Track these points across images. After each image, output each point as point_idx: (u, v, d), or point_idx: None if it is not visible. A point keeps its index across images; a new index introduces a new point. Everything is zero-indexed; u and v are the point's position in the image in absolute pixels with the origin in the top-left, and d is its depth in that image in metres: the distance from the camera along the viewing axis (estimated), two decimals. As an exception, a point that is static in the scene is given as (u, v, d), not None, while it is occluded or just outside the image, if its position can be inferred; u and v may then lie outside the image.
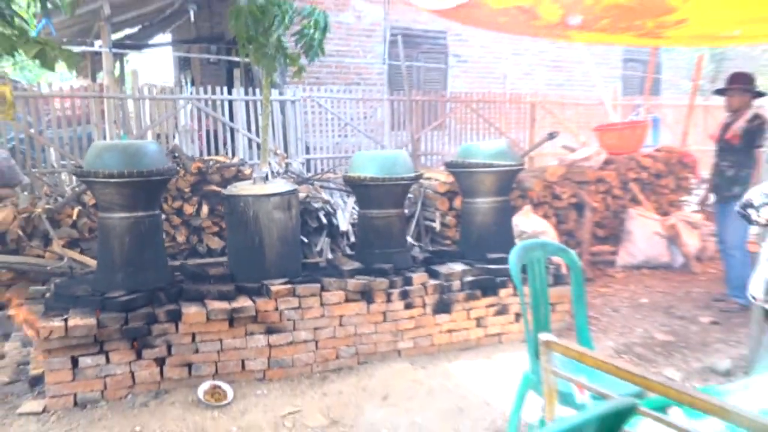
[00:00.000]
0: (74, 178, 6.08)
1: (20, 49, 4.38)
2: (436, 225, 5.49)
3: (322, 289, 3.69)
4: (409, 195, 5.69)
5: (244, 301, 3.52)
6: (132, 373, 3.32)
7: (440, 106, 8.15)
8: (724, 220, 4.81)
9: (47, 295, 3.69)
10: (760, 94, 4.81)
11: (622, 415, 1.19)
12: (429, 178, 5.70)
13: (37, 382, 3.39)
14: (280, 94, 7.08)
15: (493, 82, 9.81)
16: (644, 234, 5.98)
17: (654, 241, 5.95)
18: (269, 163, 5.34)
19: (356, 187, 4.09)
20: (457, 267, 4.09)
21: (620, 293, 5.29)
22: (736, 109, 4.77)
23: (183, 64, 12.49)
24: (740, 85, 4.74)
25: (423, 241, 5.57)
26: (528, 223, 5.30)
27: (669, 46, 9.22)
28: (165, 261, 3.78)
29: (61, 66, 5.05)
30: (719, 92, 5.01)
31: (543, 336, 1.95)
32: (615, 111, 8.25)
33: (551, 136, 5.71)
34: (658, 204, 6.49)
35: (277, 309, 3.57)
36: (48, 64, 4.11)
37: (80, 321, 3.18)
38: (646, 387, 1.57)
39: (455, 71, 9.80)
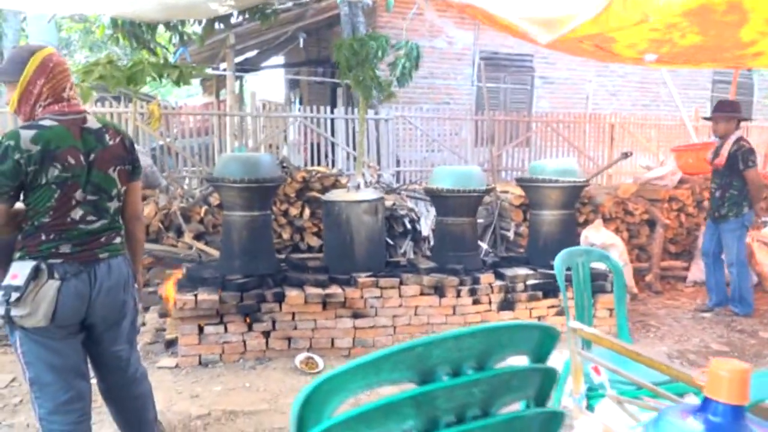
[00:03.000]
0: (199, 181, 7.13)
1: (165, 73, 5.43)
2: (510, 234, 5.99)
3: (401, 282, 4.32)
4: (488, 206, 6.23)
5: (335, 289, 4.22)
6: (244, 342, 4.07)
7: (521, 125, 8.63)
8: (714, 236, 5.25)
9: (180, 276, 4.57)
10: (744, 119, 5.10)
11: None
12: (506, 192, 6.21)
13: (171, 344, 4.25)
14: (375, 113, 7.86)
15: (578, 102, 10.13)
16: (718, 252, 6.11)
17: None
18: (363, 174, 6.08)
19: (434, 197, 4.70)
20: (522, 271, 4.59)
21: (685, 306, 5.53)
22: (722, 134, 5.07)
23: (293, 84, 13.71)
24: (724, 112, 5.01)
25: (498, 249, 6.08)
26: (597, 236, 5.66)
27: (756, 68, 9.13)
28: (273, 253, 4.57)
29: (190, 86, 6.10)
30: (708, 119, 5.31)
31: (572, 323, 2.46)
32: (697, 132, 8.33)
33: (625, 155, 6.05)
34: (735, 224, 6.57)
35: (362, 297, 4.24)
36: (185, 81, 5.13)
37: (207, 296, 3.98)
38: (648, 365, 2.03)
39: (540, 92, 10.21)
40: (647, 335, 4.75)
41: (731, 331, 4.87)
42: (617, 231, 6.17)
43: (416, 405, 1.00)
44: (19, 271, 2.18)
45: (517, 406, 1.21)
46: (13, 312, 2.15)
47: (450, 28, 9.33)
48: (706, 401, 1.36)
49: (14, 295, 2.14)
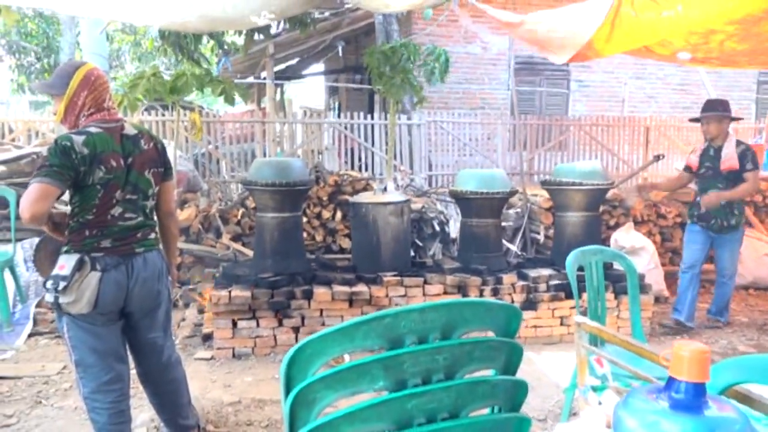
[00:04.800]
0: (240, 186, 7.44)
1: (207, 86, 5.70)
2: (540, 237, 6.04)
3: (425, 282, 4.47)
4: (517, 209, 6.30)
5: (361, 287, 4.39)
6: (275, 336, 4.29)
7: (555, 129, 8.65)
8: (706, 247, 4.89)
9: (216, 275, 4.83)
10: (736, 119, 4.84)
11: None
12: (536, 195, 6.27)
13: (207, 338, 4.50)
14: (408, 119, 8.03)
15: (615, 106, 10.06)
16: (754, 255, 6.04)
17: (764, 263, 5.99)
18: (395, 178, 6.25)
19: (459, 199, 4.83)
20: (545, 272, 4.67)
21: (718, 310, 5.46)
22: (714, 136, 4.71)
23: (332, 90, 14.03)
24: (717, 111, 4.67)
25: (529, 251, 6.14)
26: (627, 238, 5.67)
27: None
28: (303, 252, 4.78)
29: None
30: (695, 120, 4.95)
31: (577, 318, 2.57)
32: (737, 134, 8.16)
33: (657, 158, 6.04)
34: (774, 227, 6.47)
35: (387, 295, 4.40)
36: (229, 100, 5.35)
37: (240, 293, 4.21)
38: (624, 347, 2.16)
39: (576, 95, 10.18)
40: (674, 336, 4.75)
41: (762, 333, 4.82)
42: (649, 234, 6.15)
43: (384, 368, 1.15)
44: (66, 262, 2.43)
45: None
46: (61, 299, 2.41)
47: (485, 34, 9.43)
48: (670, 380, 1.46)
49: (62, 284, 2.39)
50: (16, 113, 10.07)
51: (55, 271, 2.43)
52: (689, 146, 8.95)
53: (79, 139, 2.39)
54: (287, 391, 1.15)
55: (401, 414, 1.15)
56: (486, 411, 1.32)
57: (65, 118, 2.55)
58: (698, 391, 1.41)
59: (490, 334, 1.32)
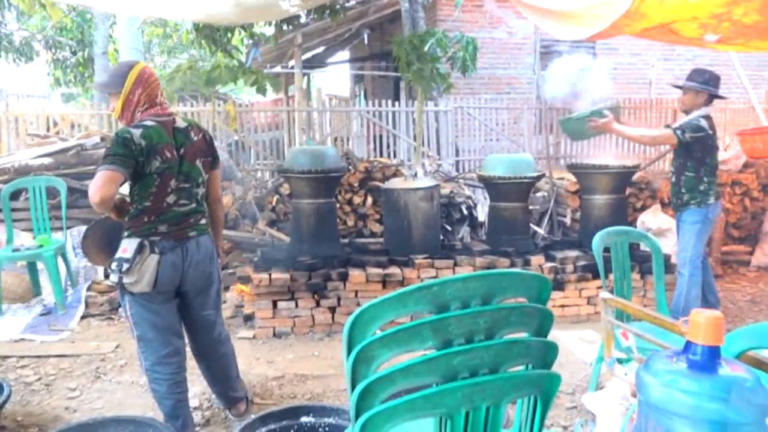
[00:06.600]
0: (270, 173, 7.66)
1: (240, 77, 5.90)
2: (567, 220, 6.15)
3: (455, 264, 4.64)
4: (544, 193, 6.41)
5: (394, 269, 4.58)
6: (312, 316, 4.51)
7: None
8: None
9: (255, 258, 5.06)
10: (717, 96, 4.31)
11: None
12: (562, 179, 6.37)
13: (248, 318, 4.73)
14: (435, 105, 8.15)
15: (642, 88, 10.02)
16: (778, 238, 6.08)
17: (790, 245, 6.02)
18: (423, 164, 6.41)
19: (487, 183, 4.97)
20: (572, 253, 4.80)
21: (745, 290, 5.54)
22: (687, 108, 4.33)
23: (357, 78, 14.18)
24: (696, 82, 4.24)
25: (555, 234, 6.25)
26: (654, 221, 5.76)
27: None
28: (338, 236, 4.98)
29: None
30: (678, 87, 4.55)
31: (602, 294, 2.72)
32: (767, 115, 8.10)
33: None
34: (804, 208, 6.47)
35: (419, 277, 4.58)
36: (260, 90, 5.55)
37: (280, 275, 4.43)
38: (642, 318, 2.32)
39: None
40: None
41: (789, 312, 4.89)
42: (676, 216, 6.21)
43: (433, 329, 1.33)
44: (128, 246, 2.66)
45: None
46: (125, 279, 2.64)
47: (510, 19, 9.47)
48: (687, 344, 1.62)
49: (125, 266, 2.62)
50: (57, 107, 10.43)
51: (119, 254, 2.66)
52: (717, 127, 8.90)
53: (137, 132, 2.60)
54: (349, 350, 1.34)
55: (448, 369, 1.33)
56: (521, 368, 1.50)
57: (122, 114, 2.76)
58: (713, 353, 1.56)
59: (524, 301, 1.49)
